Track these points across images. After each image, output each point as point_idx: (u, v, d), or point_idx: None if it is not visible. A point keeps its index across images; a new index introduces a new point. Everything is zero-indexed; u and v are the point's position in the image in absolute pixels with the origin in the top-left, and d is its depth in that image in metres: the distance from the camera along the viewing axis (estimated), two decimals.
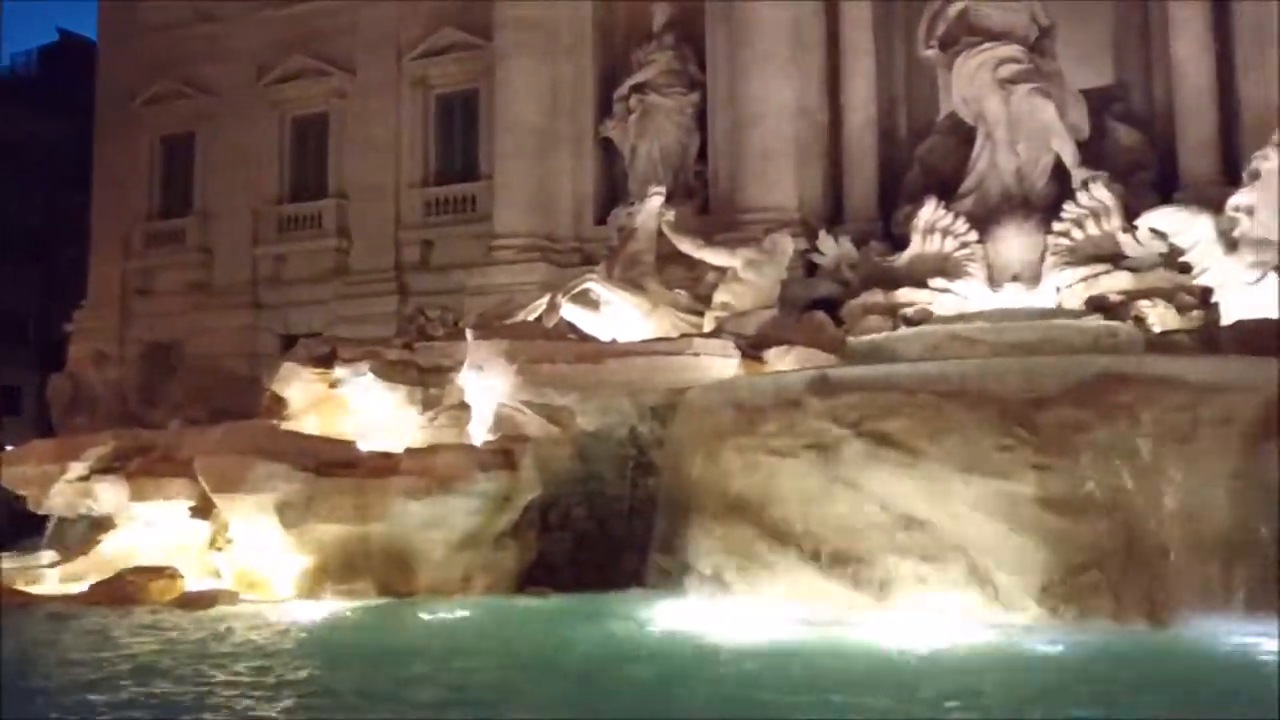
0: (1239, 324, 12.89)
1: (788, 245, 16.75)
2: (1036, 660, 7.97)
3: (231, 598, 11.22)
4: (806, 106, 19.75)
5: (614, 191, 21.66)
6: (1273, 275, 13.66)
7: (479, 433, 12.79)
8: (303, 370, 14.64)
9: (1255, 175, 14.51)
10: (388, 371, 14.18)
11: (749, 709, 6.69)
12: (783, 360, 13.46)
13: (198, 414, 16.78)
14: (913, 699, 6.81)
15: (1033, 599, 9.34)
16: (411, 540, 11.46)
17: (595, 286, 16.50)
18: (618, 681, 7.51)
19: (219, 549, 11.94)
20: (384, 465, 11.84)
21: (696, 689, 7.26)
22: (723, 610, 9.99)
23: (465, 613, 10.59)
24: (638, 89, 21.16)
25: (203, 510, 12.02)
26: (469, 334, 13.91)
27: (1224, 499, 9.55)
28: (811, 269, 18.54)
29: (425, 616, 10.43)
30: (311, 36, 25.55)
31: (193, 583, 11.65)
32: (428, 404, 14.06)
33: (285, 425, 13.78)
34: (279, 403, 14.55)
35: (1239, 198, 14.60)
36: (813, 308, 17.05)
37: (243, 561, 11.79)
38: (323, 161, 25.69)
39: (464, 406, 13.25)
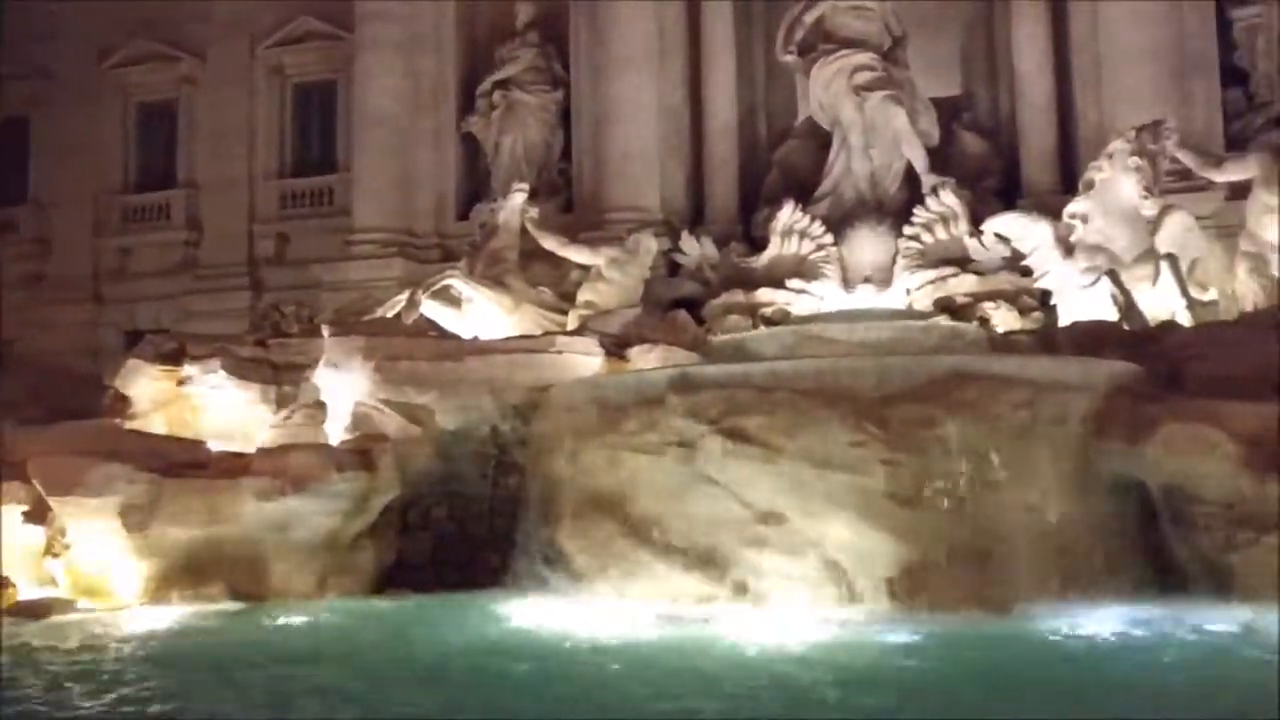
0: (1074, 325, 13.57)
1: (651, 245, 16.89)
2: (884, 650, 8.23)
3: (66, 606, 10.67)
4: (669, 108, 19.95)
5: (477, 187, 21.46)
6: (1105, 279, 14.44)
7: (335, 432, 12.50)
8: (149, 368, 14.05)
9: (1090, 185, 15.31)
10: (240, 369, 13.73)
11: (605, 706, 6.72)
12: (646, 359, 13.56)
13: (34, 414, 15.88)
14: (767, 690, 6.95)
15: (883, 591, 9.65)
16: (264, 543, 11.13)
17: (457, 283, 16.32)
18: (470, 681, 7.46)
19: (55, 555, 11.34)
20: (235, 466, 11.46)
21: (552, 688, 7.26)
22: (585, 609, 10.00)
23: (319, 616, 10.34)
24: (501, 85, 21.02)
25: (37, 515, 11.39)
26: (325, 330, 13.57)
27: (1060, 492, 10.05)
28: (674, 269, 18.75)
29: (276, 621, 10.14)
30: (159, 20, 24.50)
31: (28, 591, 11.05)
32: (282, 403, 13.67)
33: (130, 425, 13.21)
34: (123, 402, 13.91)
35: (1075, 206, 15.38)
36: (675, 307, 17.24)
37: (81, 567, 11.23)
38: (171, 150, 24.72)
39: (320, 405, 12.93)
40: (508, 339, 14.44)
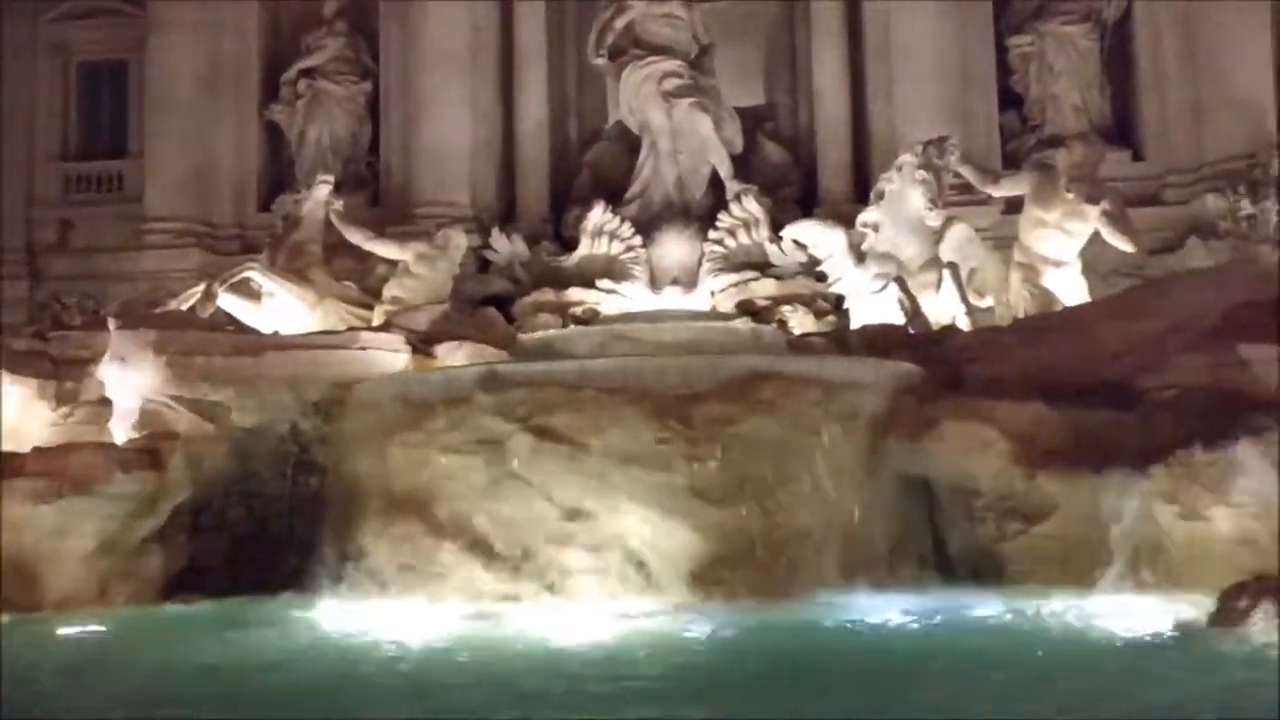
0: (865, 328, 14.28)
1: (461, 241, 16.76)
2: (681, 641, 8.44)
3: None
4: (482, 105, 19.85)
5: (280, 178, 20.77)
6: (893, 285, 15.25)
7: (121, 430, 11.85)
8: None
9: (881, 196, 16.13)
10: (15, 363, 12.82)
11: (394, 709, 6.65)
12: (454, 356, 13.45)
13: None
14: (570, 685, 7.04)
15: (685, 584, 9.90)
16: (40, 549, 10.42)
17: (257, 276, 15.75)
18: (254, 689, 7.19)
19: None
20: (7, 467, 10.70)
21: (345, 693, 7.10)
22: (388, 611, 9.83)
23: (99, 625, 9.75)
24: (307, 74, 20.42)
25: None
26: (111, 323, 12.84)
27: (852, 487, 10.56)
28: (484, 266, 18.67)
29: (53, 632, 9.52)
30: None
31: None
32: (62, 399, 12.84)
33: None
34: None
35: (867, 215, 16.18)
36: (485, 304, 17.17)
37: None
38: None
39: (104, 402, 12.22)
40: (310, 334, 14.04)
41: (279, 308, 15.66)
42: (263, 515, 11.84)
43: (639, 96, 18.52)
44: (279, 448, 12.01)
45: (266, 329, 14.58)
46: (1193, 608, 8.33)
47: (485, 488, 10.30)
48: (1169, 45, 19.37)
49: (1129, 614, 8.47)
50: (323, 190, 16.78)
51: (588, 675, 7.27)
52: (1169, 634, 7.98)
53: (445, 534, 10.34)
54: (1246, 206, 17.53)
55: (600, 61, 19.18)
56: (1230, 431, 9.23)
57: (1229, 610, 8.03)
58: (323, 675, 7.61)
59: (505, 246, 18.49)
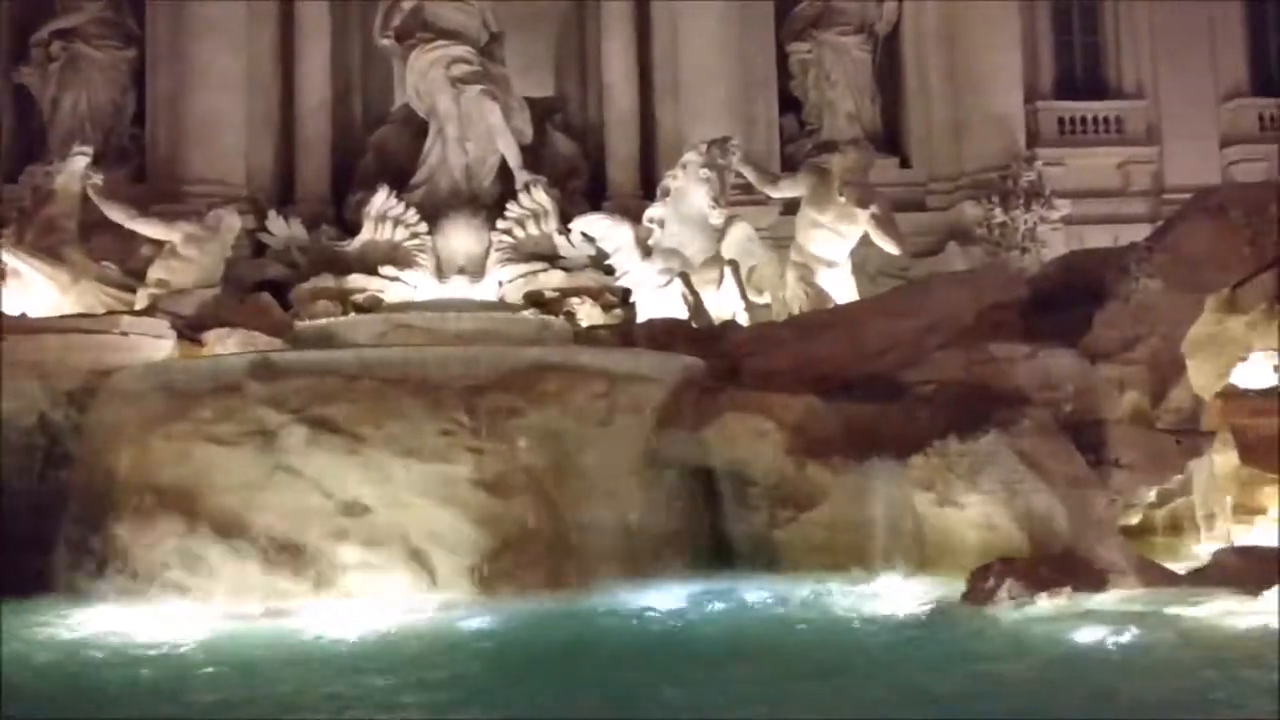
0: (650, 322, 14.52)
1: (233, 222, 15.95)
2: (461, 635, 8.36)
3: None
4: (258, 79, 18.97)
5: (30, 147, 19.19)
6: (678, 280, 15.58)
7: None
8: None
9: (666, 192, 16.45)
10: None
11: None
12: (224, 343, 12.81)
13: None
14: (338, 684, 6.83)
15: (468, 578, 9.77)
16: None
17: (3, 254, 14.54)
18: None
19: None
20: None
21: (74, 701, 6.64)
22: (148, 613, 9.25)
23: None
24: (62, 35, 18.96)
25: None
26: None
27: (635, 477, 10.72)
28: (259, 249, 17.86)
29: None
30: None
31: None
32: None
33: None
34: None
35: (653, 211, 16.47)
36: (259, 290, 16.43)
37: None
38: None
39: None
40: (63, 317, 13.04)
41: (28, 288, 14.50)
42: (5, 513, 10.88)
43: (427, 80, 18.14)
44: (26, 440, 11.08)
45: (13, 311, 13.43)
46: (946, 588, 8.93)
47: (255, 481, 9.86)
48: (933, 61, 20.62)
49: (890, 596, 8.99)
50: (79, 162, 15.59)
51: (360, 673, 7.08)
52: (925, 613, 8.52)
53: (214, 530, 9.84)
54: (999, 215, 18.89)
55: (386, 42, 18.69)
56: (981, 424, 9.91)
57: (977, 590, 8.67)
58: (57, 684, 7.06)
59: (282, 229, 17.75)
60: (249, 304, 15.17)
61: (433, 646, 7.93)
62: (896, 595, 9.01)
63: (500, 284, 17.17)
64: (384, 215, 17.32)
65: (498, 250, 17.36)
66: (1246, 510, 11.93)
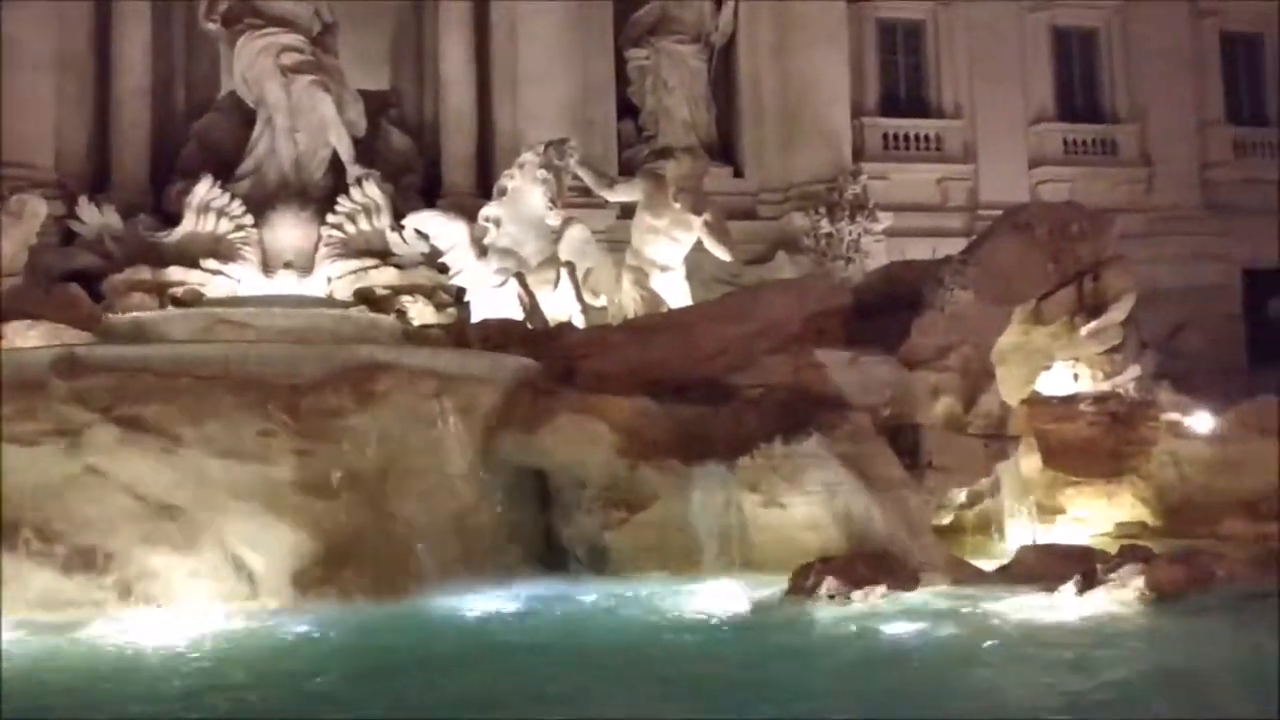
0: (484, 322, 14.40)
1: (39, 208, 15.07)
2: (286, 644, 8.09)
3: None
4: (70, 57, 17.94)
5: None
6: (513, 281, 15.51)
7: None
8: None
9: (503, 192, 16.36)
10: None
11: None
12: (25, 336, 12.06)
13: None
14: (141, 700, 6.50)
15: (289, 584, 9.44)
16: None
17: None
18: None
19: None
20: None
21: None
22: None
23: None
24: None
25: None
26: None
27: (466, 480, 10.59)
28: (69, 238, 16.88)
29: None
30: None
31: None
32: None
33: None
34: None
35: (489, 210, 16.35)
36: (67, 280, 15.52)
37: None
38: None
39: None
40: None
41: None
42: None
43: (255, 68, 17.48)
44: None
45: None
46: (771, 587, 9.18)
47: (58, 485, 9.27)
48: (766, 75, 21.19)
49: (717, 595, 9.17)
50: None
51: (159, 686, 6.76)
52: (748, 611, 8.73)
53: (12, 536, 9.19)
54: (826, 225, 19.56)
55: (212, 27, 17.94)
56: (805, 427, 10.23)
57: (798, 587, 8.94)
58: None
59: (95, 217, 16.81)
60: (55, 295, 14.33)
61: (246, 657, 7.63)
62: (723, 594, 9.19)
63: (329, 280, 16.70)
64: (207, 206, 16.61)
65: (327, 245, 16.88)
66: (1048, 510, 12.75)
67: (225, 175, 17.19)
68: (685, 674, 7.04)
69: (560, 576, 10.33)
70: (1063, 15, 24.75)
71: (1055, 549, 10.45)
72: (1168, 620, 8.02)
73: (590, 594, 9.56)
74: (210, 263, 16.31)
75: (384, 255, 16.96)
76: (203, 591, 9.27)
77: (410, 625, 8.69)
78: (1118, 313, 13.51)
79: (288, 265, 16.67)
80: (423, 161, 19.64)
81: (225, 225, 16.60)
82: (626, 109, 21.02)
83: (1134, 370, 14.35)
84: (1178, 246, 23.63)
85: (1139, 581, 8.49)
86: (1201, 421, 13.66)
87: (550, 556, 10.91)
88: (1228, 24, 25.83)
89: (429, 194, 18.92)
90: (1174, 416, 13.69)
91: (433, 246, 16.81)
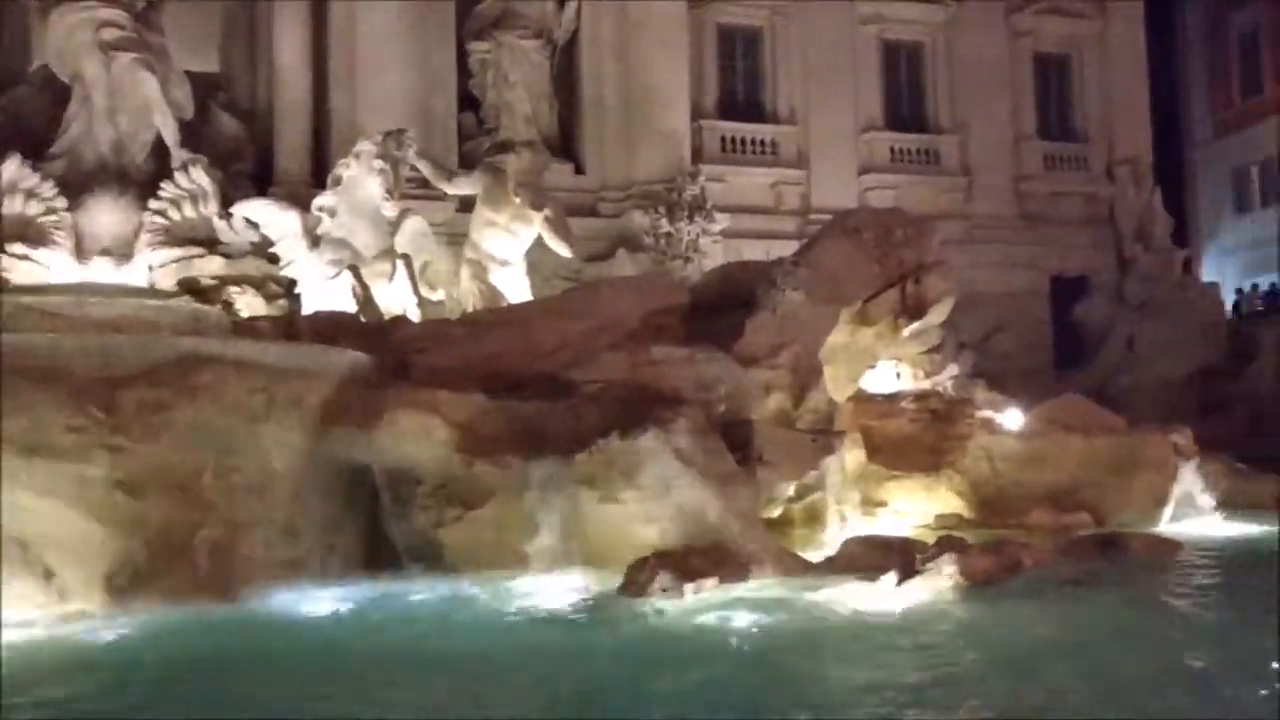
0: (317, 315, 14.02)
1: None
2: (97, 650, 7.71)
3: None
4: None
5: None
6: (347, 273, 15.15)
7: None
8: None
9: (338, 181, 15.95)
10: None
11: None
12: None
13: None
14: None
15: (102, 588, 8.97)
16: None
17: None
18: None
19: None
20: None
21: None
22: None
23: None
24: None
25: None
26: None
27: (295, 477, 10.27)
28: None
29: None
30: None
31: None
32: None
33: None
34: None
35: (323, 199, 15.92)
36: None
37: None
38: None
39: None
40: None
41: None
42: None
43: (72, 43, 16.41)
44: None
45: None
46: (608, 583, 9.25)
47: None
48: (608, 73, 21.34)
49: (554, 592, 9.19)
50: None
51: None
52: (583, 607, 8.78)
53: None
54: (665, 225, 19.86)
55: None
56: (641, 423, 10.34)
57: (632, 582, 9.04)
58: None
59: None
60: None
61: (51, 664, 7.22)
62: (558, 591, 9.22)
63: (151, 269, 15.86)
64: (14, 187, 15.49)
65: (149, 232, 16.01)
66: (872, 503, 13.28)
67: (37, 155, 16.15)
68: (516, 671, 7.03)
69: (393, 576, 10.13)
70: (891, 29, 25.82)
71: (877, 540, 10.87)
72: (978, 606, 8.47)
73: (422, 593, 9.43)
74: (17, 247, 15.22)
75: (211, 244, 16.20)
76: (5, 597, 8.70)
77: (231, 629, 8.39)
78: (937, 315, 14.17)
79: (105, 252, 15.75)
80: (255, 148, 18.97)
81: (35, 208, 15.53)
82: (468, 101, 20.83)
83: (952, 370, 15.10)
84: (994, 254, 25.00)
85: (953, 570, 8.93)
86: (1012, 419, 14.48)
87: (383, 555, 10.69)
88: (1040, 45, 27.47)
89: (261, 181, 18.29)
90: (988, 414, 14.46)
91: (263, 236, 16.18)
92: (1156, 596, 9.27)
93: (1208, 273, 33.51)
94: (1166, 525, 12.63)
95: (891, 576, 9.04)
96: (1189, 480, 13.17)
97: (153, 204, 16.14)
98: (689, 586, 8.88)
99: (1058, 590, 9.11)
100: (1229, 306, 29.11)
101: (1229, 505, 13.22)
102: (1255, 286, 30.51)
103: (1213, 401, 22.38)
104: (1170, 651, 7.11)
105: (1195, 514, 13.03)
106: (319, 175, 18.12)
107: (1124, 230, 27.01)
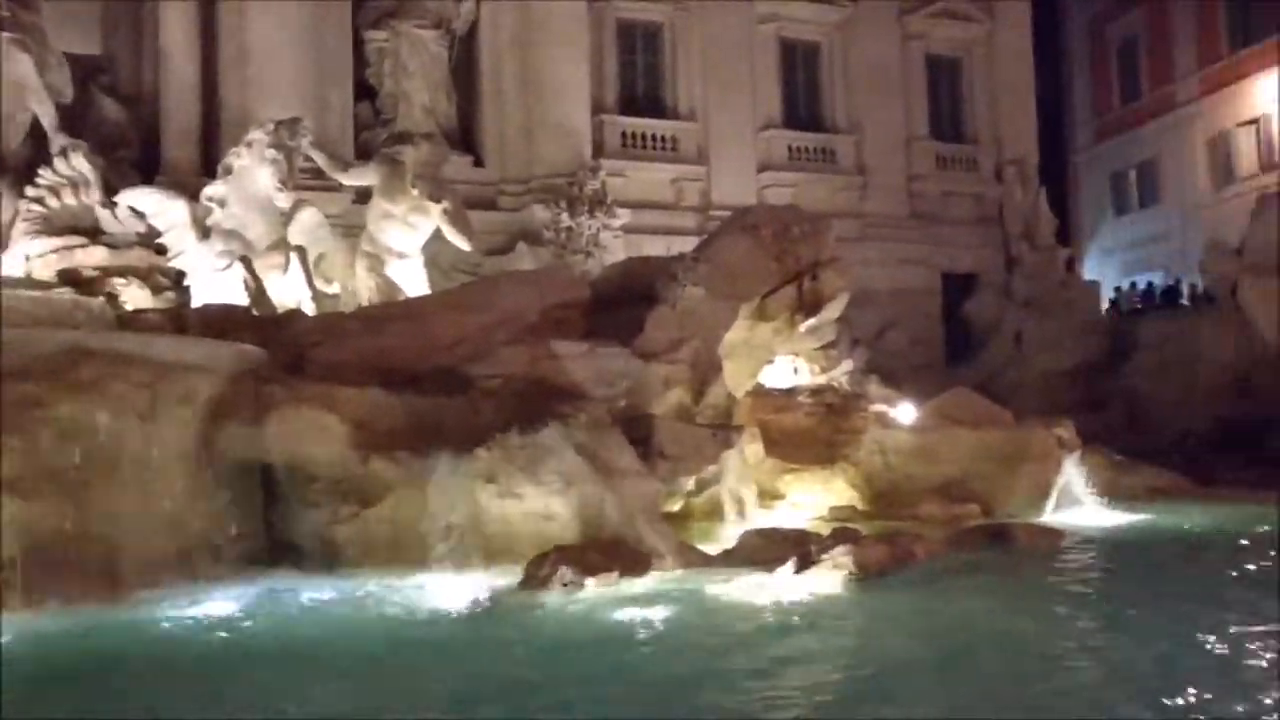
0: (206, 307, 13.63)
1: None
2: None
3: None
4: None
5: None
6: (238, 264, 14.76)
7: None
8: None
9: (229, 170, 15.53)
10: None
11: None
12: None
13: None
14: None
15: None
16: None
17: None
18: None
19: None
20: None
21: None
22: None
23: None
24: None
25: None
26: None
27: (184, 474, 9.98)
28: None
29: None
30: None
31: None
32: None
33: None
34: None
35: (213, 189, 15.48)
36: None
37: None
38: None
39: None
40: None
41: None
42: None
43: None
44: None
45: None
46: (507, 578, 9.21)
47: None
48: (508, 66, 21.19)
49: (452, 589, 9.11)
50: None
51: None
52: (482, 603, 8.72)
53: None
54: (566, 219, 19.82)
55: None
56: (541, 417, 10.32)
57: (533, 577, 9.02)
58: None
59: None
60: None
61: None
62: (459, 588, 9.13)
63: (28, 258, 15.23)
64: None
65: (26, 221, 15.37)
66: (770, 496, 13.47)
67: None
68: (409, 668, 6.96)
69: (288, 574, 9.92)
70: (789, 29, 26.18)
71: (775, 533, 11.04)
72: (871, 596, 8.67)
73: (318, 591, 9.26)
74: None
75: (93, 234, 15.62)
76: None
77: (112, 631, 8.10)
78: (833, 311, 14.44)
79: None
80: (139, 135, 18.35)
81: None
82: (364, 91, 20.46)
83: (847, 365, 15.41)
84: (887, 251, 25.57)
85: (848, 561, 9.12)
86: (905, 413, 14.84)
87: (277, 554, 10.47)
88: (933, 47, 28.17)
89: (147, 169, 17.70)
90: (881, 408, 14.79)
91: (149, 226, 15.68)
92: (1041, 581, 9.62)
93: (1089, 272, 34.85)
94: (1050, 515, 13.08)
95: (789, 568, 9.20)
96: (1071, 472, 13.64)
97: (30, 192, 15.50)
98: (590, 581, 8.90)
99: (945, 580, 9.38)
100: (1109, 304, 30.31)
101: (1108, 496, 13.75)
102: (1134, 285, 31.83)
103: (1094, 396, 23.25)
104: (1052, 635, 7.40)
105: (1077, 504, 13.52)
106: (208, 164, 17.61)
107: (1011, 230, 27.89)
